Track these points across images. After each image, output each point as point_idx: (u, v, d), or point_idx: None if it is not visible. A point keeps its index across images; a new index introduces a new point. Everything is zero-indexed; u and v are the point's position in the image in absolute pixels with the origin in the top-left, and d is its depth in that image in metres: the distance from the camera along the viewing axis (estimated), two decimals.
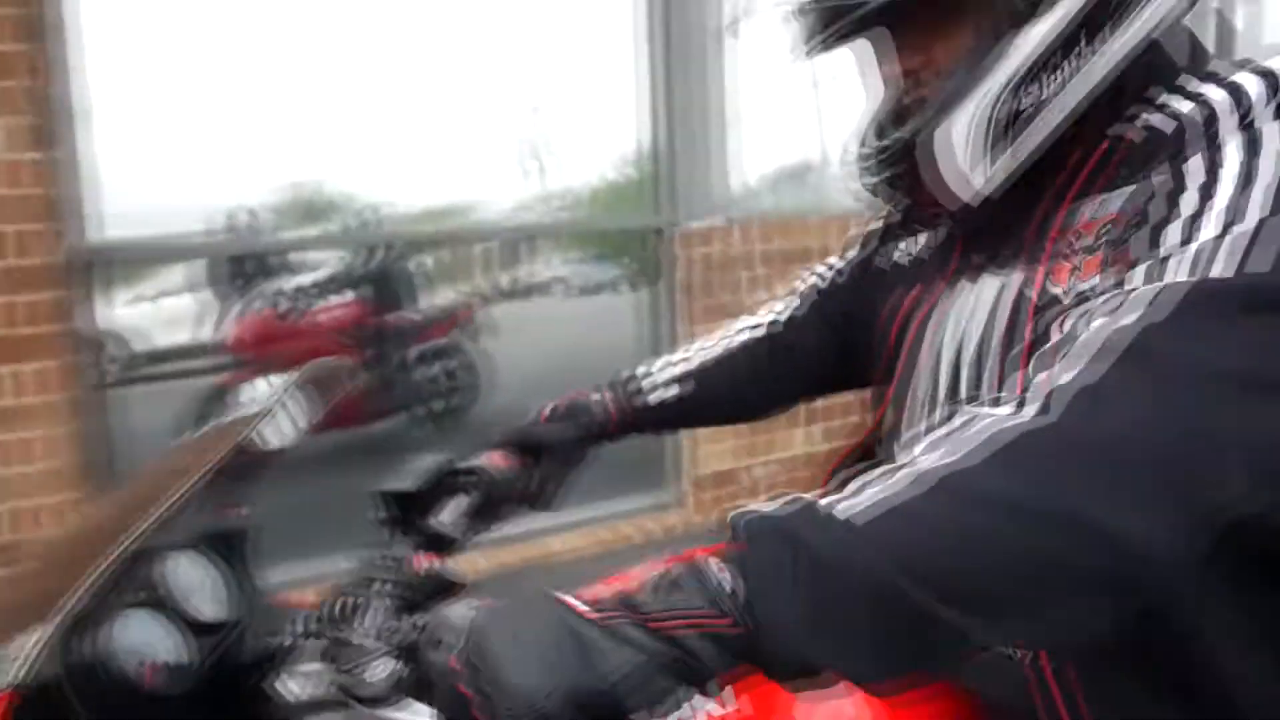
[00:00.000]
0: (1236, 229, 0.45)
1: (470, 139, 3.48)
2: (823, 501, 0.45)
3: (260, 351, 4.10)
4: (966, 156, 0.59)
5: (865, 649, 0.42)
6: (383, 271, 4.42)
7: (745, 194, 3.58)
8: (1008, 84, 0.57)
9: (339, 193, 3.52)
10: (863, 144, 0.72)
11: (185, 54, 2.83)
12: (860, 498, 0.44)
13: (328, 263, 4.44)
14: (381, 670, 0.52)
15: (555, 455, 0.91)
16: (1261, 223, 0.44)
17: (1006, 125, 0.58)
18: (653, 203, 3.41)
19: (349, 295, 4.40)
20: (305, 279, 4.38)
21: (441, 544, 0.80)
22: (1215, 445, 0.42)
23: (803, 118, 3.88)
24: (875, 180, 0.70)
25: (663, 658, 0.41)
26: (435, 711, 0.46)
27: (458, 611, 0.46)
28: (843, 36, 0.63)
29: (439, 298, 4.71)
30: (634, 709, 0.41)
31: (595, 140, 3.72)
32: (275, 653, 0.63)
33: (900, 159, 0.65)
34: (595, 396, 0.97)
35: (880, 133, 0.70)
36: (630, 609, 0.42)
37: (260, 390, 0.82)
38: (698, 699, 0.46)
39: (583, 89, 3.57)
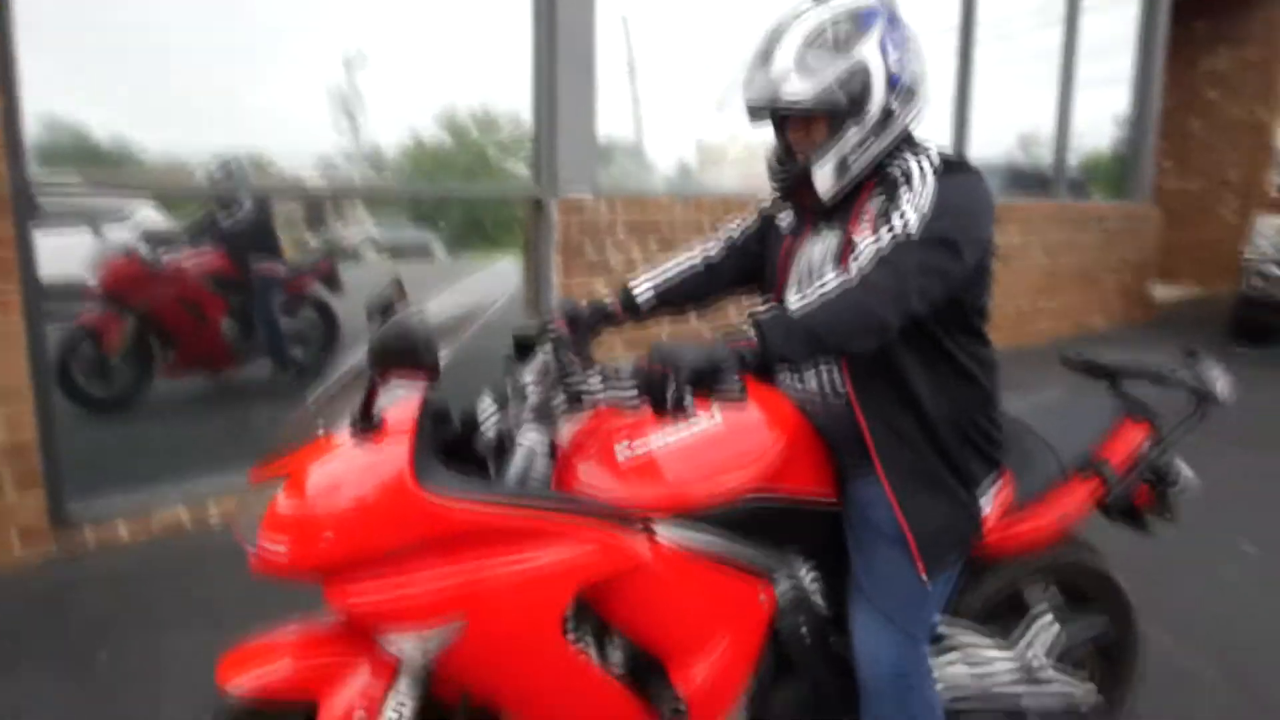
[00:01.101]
0: (917, 216, 1.21)
1: (281, 91, 3.66)
2: (792, 306, 1.19)
3: (123, 294, 4.18)
4: (828, 179, 1.37)
5: (804, 353, 1.17)
6: (248, 222, 4.52)
7: (606, 172, 4.30)
8: (843, 150, 1.34)
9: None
10: (773, 167, 1.48)
11: None
12: (795, 307, 1.18)
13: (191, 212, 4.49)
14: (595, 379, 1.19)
15: (585, 328, 1.57)
16: (922, 215, 1.20)
17: (841, 170, 1.35)
18: (533, 175, 4.04)
19: (215, 244, 4.48)
20: (173, 226, 4.44)
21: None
22: (910, 288, 1.18)
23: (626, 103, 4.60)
24: (779, 185, 1.47)
25: (735, 358, 1.12)
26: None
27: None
28: (763, 118, 1.41)
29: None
30: (723, 373, 1.10)
31: (415, 101, 4.00)
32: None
33: (791, 178, 1.41)
34: (609, 299, 1.66)
35: (781, 163, 1.46)
36: (728, 343, 1.16)
37: None
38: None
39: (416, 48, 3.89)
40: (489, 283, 1.38)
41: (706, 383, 1.08)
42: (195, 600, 2.54)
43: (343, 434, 1.13)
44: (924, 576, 1.31)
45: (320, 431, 1.16)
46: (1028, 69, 7.05)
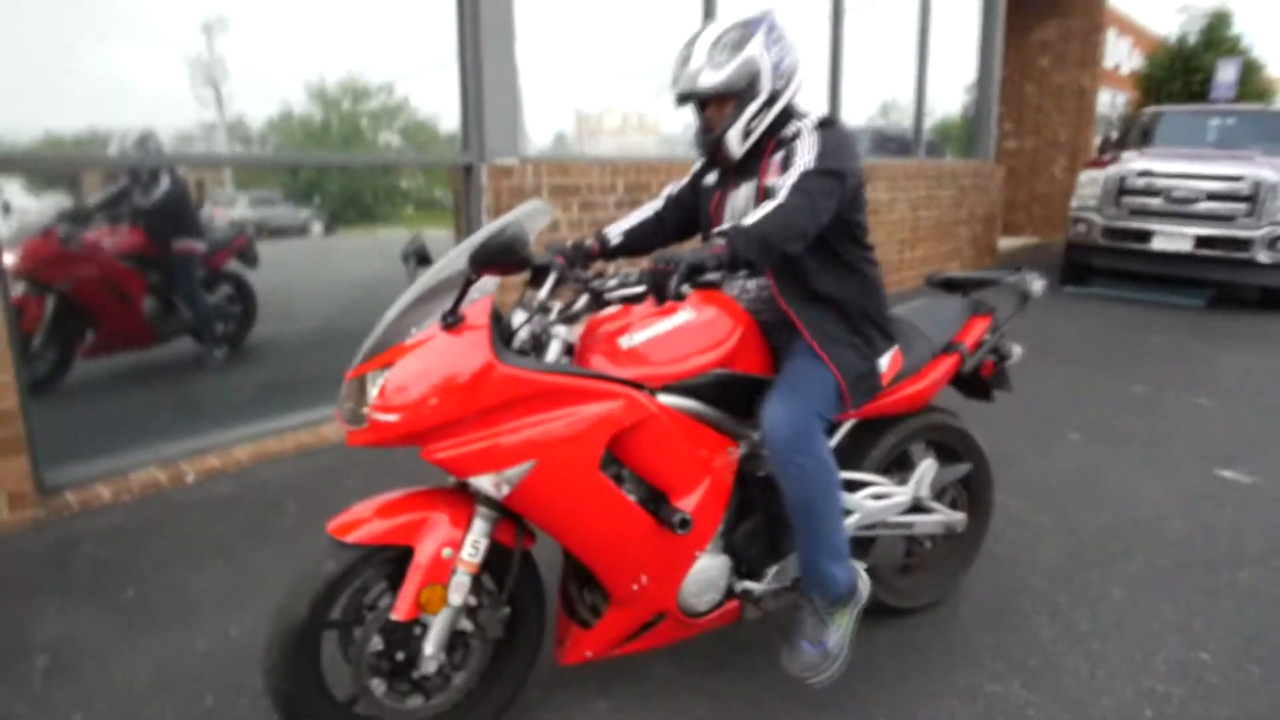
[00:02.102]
0: (811, 157, 1.71)
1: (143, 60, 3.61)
2: (743, 223, 1.66)
3: (42, 274, 4.20)
4: (736, 143, 1.87)
5: (757, 255, 1.61)
6: (167, 199, 4.56)
7: (531, 140, 4.63)
8: (745, 121, 1.85)
9: None
10: (698, 138, 1.96)
11: None
12: (745, 221, 1.65)
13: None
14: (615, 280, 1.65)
15: (575, 260, 2.00)
16: (814, 157, 1.71)
17: (745, 135, 1.86)
18: (461, 142, 4.34)
19: (133, 222, 4.50)
20: (90, 200, 4.44)
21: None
22: (817, 206, 1.67)
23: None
24: (703, 151, 1.97)
25: (713, 260, 1.56)
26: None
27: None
28: (688, 102, 1.90)
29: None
30: (708, 269, 1.56)
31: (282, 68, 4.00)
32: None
33: (711, 144, 1.91)
34: (589, 241, 2.11)
35: (704, 135, 1.94)
36: (707, 248, 1.61)
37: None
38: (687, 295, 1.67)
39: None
40: (533, 210, 1.77)
41: (696, 276, 1.53)
42: (198, 541, 2.79)
43: (430, 331, 1.51)
44: (850, 406, 1.85)
45: (412, 331, 1.53)
46: (891, 40, 7.81)
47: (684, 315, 1.76)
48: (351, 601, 1.60)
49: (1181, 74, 12.89)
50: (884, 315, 1.97)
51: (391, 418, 1.47)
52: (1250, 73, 12.81)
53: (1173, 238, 7.16)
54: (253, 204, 4.93)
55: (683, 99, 1.89)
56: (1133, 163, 7.50)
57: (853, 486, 2.03)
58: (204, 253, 4.72)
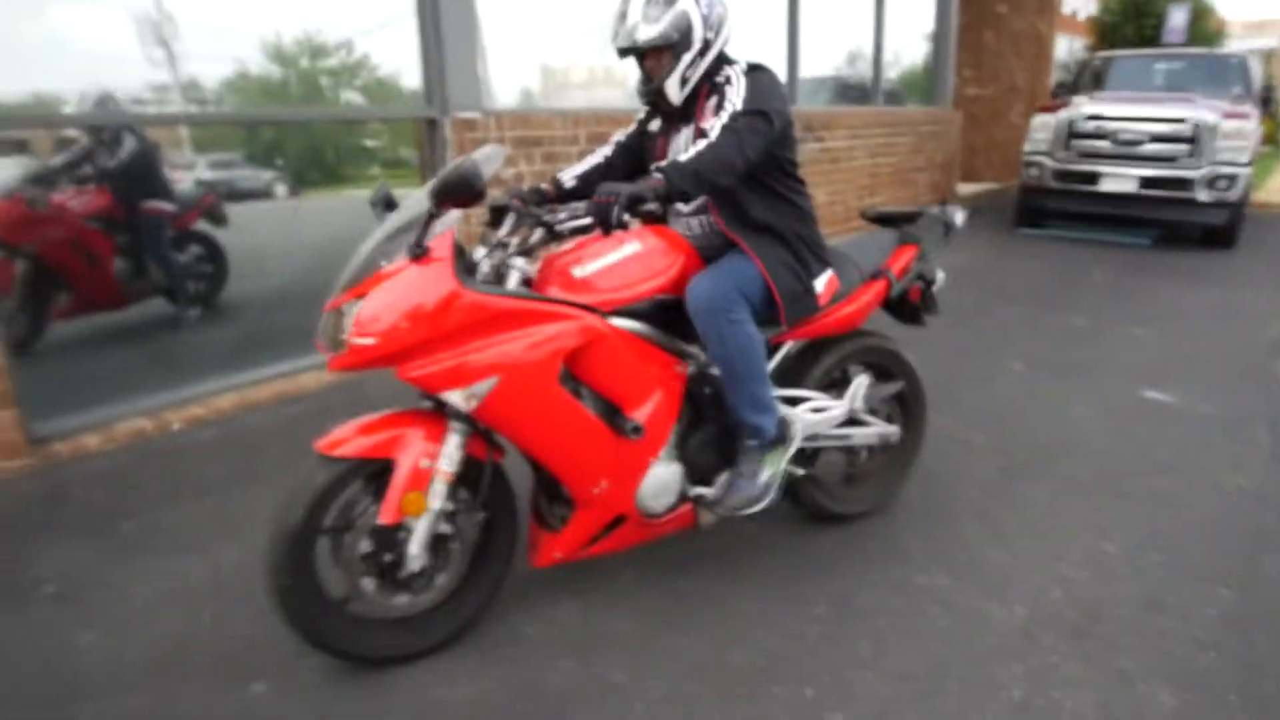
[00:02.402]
0: (740, 100, 1.90)
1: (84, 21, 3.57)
2: (678, 159, 1.84)
3: (9, 238, 4.23)
4: (675, 90, 2.03)
5: (692, 187, 1.81)
6: (132, 159, 4.58)
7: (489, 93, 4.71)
8: (681, 70, 2.01)
9: None
10: (640, 88, 2.11)
11: None
12: (682, 158, 1.83)
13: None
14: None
15: (532, 202, 2.12)
16: (743, 99, 1.90)
17: (683, 83, 2.02)
18: (424, 97, 4.41)
19: (99, 183, 4.52)
20: (53, 162, 4.45)
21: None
22: (746, 143, 1.86)
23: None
24: (645, 99, 2.13)
25: (651, 192, 1.74)
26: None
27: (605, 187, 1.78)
28: (629, 55, 2.04)
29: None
30: (646, 200, 1.74)
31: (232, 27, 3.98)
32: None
33: (652, 93, 2.07)
34: (544, 185, 2.26)
35: (645, 84, 2.09)
36: (645, 181, 1.79)
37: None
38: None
39: None
40: (489, 153, 1.92)
41: (637, 205, 1.70)
42: (187, 481, 2.94)
43: (399, 263, 1.67)
44: (783, 324, 2.06)
45: (383, 262, 1.69)
46: None
47: (631, 246, 1.94)
48: (341, 512, 1.78)
49: (1134, 19, 13.08)
50: (818, 241, 2.16)
51: (368, 341, 1.63)
52: (1200, 17, 13.04)
53: (1119, 179, 7.41)
54: (212, 167, 4.93)
55: (623, 53, 2.04)
56: (1082, 107, 7.72)
57: (794, 402, 2.23)
58: (172, 213, 4.76)
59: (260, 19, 4.09)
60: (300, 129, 4.67)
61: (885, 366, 2.46)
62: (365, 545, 1.76)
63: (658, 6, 1.97)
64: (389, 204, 1.90)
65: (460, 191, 1.61)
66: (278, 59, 4.44)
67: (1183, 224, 7.42)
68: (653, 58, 2.04)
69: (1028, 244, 7.69)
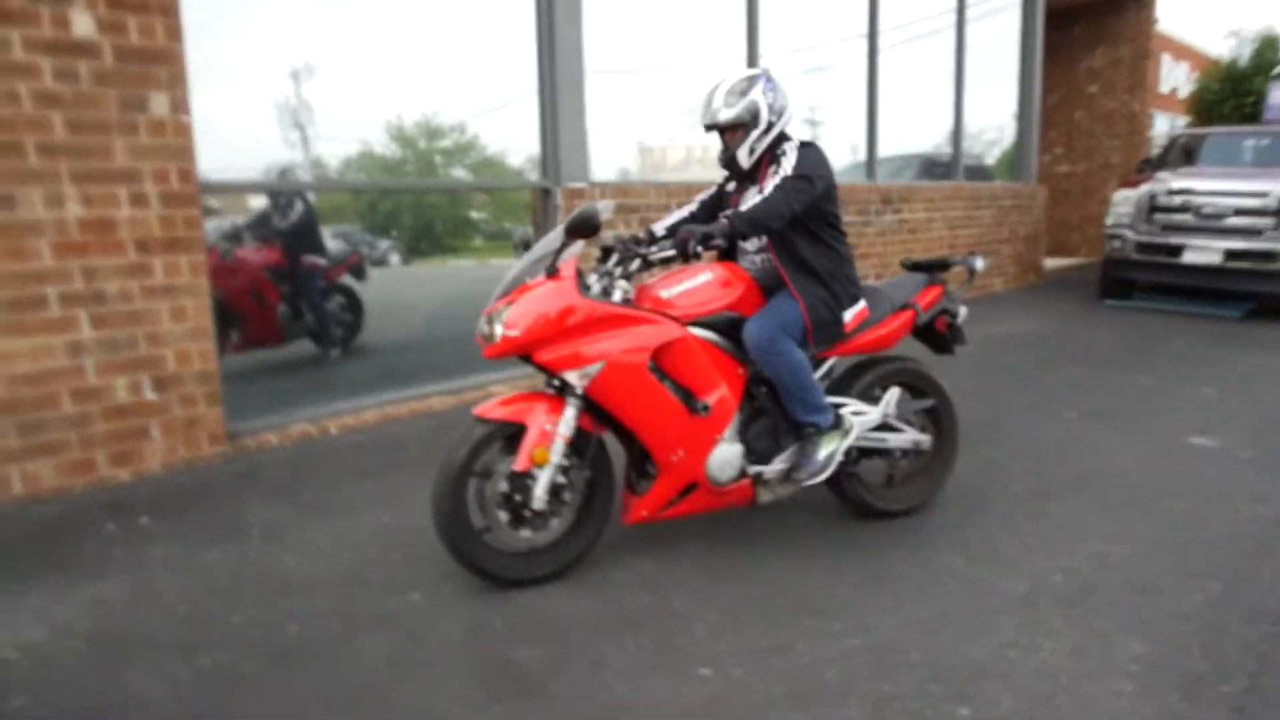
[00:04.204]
0: (790, 167, 2.54)
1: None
2: (741, 209, 2.49)
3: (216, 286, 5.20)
4: (745, 157, 2.70)
5: (750, 231, 2.47)
6: (299, 221, 5.53)
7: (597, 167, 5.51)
8: (750, 142, 2.67)
9: None
10: (721, 155, 2.79)
11: None
12: (744, 208, 2.48)
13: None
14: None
15: (631, 245, 2.77)
16: (792, 166, 2.54)
17: (751, 152, 2.70)
18: (540, 170, 5.24)
19: (271, 240, 5.47)
20: (241, 223, 5.44)
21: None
22: (791, 198, 2.50)
23: None
24: (723, 163, 2.80)
25: (719, 231, 2.41)
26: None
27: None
28: (713, 130, 2.74)
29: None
30: (715, 238, 2.41)
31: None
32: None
33: (729, 158, 2.74)
34: (640, 233, 2.91)
35: (724, 152, 2.76)
36: (715, 224, 2.45)
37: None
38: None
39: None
40: (604, 204, 2.58)
41: (708, 241, 2.33)
42: (348, 469, 3.68)
43: (537, 279, 2.34)
44: (811, 346, 2.60)
45: (526, 279, 2.37)
46: (936, 70, 8.50)
47: (705, 275, 2.57)
48: (486, 462, 2.42)
49: (1232, 96, 13.10)
50: (852, 278, 2.73)
51: (514, 333, 2.30)
52: None
53: (1203, 251, 7.56)
54: (334, 237, 5.55)
55: (708, 128, 2.72)
56: (1166, 182, 7.95)
57: (836, 408, 2.77)
58: (325, 267, 5.67)
59: (396, 104, 5.00)
60: (413, 202, 5.41)
61: (918, 386, 2.95)
62: (503, 485, 2.39)
63: (735, 95, 2.65)
64: (527, 245, 2.61)
65: (585, 227, 2.28)
66: (399, 140, 5.27)
67: (1272, 295, 7.47)
68: (730, 133, 2.70)
69: (1110, 314, 7.88)
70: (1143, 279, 8.04)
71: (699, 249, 2.33)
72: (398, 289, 5.70)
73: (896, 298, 2.87)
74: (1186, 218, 7.68)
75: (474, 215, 5.86)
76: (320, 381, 4.97)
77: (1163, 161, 9.15)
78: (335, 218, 5.65)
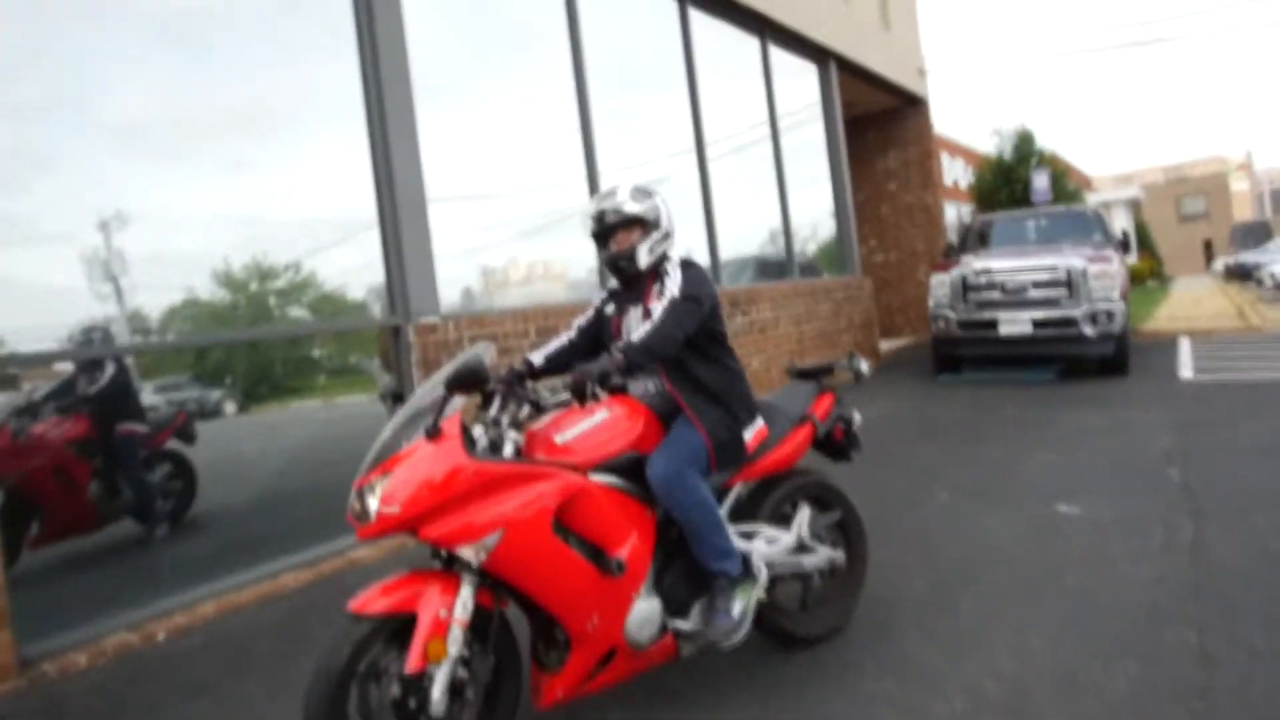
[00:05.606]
0: (676, 288, 2.46)
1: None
2: (632, 339, 2.35)
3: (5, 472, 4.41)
4: (644, 256, 2.58)
5: (645, 361, 2.34)
6: (111, 386, 4.87)
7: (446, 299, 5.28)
8: (650, 243, 2.58)
9: None
10: (607, 264, 2.67)
11: None
12: (635, 338, 2.34)
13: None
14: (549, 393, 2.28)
15: (513, 382, 2.51)
16: (679, 287, 2.46)
17: (650, 253, 2.58)
18: (387, 305, 4.94)
19: (79, 409, 4.78)
20: (36, 394, 4.72)
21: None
22: (683, 322, 2.40)
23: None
24: (609, 264, 2.67)
25: (615, 367, 2.24)
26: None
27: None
28: (603, 225, 2.63)
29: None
30: (611, 376, 2.27)
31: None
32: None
33: (620, 257, 2.59)
34: (519, 366, 2.71)
35: (616, 256, 2.63)
36: (609, 360, 2.28)
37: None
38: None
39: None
40: (482, 348, 2.36)
41: (605, 381, 2.15)
42: (179, 684, 3.07)
43: (416, 442, 2.06)
44: (714, 470, 2.46)
45: (403, 444, 2.08)
46: (759, 178, 9.04)
47: (600, 414, 2.37)
48: (369, 666, 2.04)
49: (1005, 185, 14.94)
50: (748, 397, 2.62)
51: (393, 509, 1.98)
52: (1060, 177, 14.97)
53: (1014, 323, 8.32)
54: (157, 390, 5.05)
55: (600, 218, 2.60)
56: (971, 264, 8.76)
57: (749, 536, 2.61)
58: (145, 434, 4.97)
59: (219, 248, 4.56)
60: (247, 345, 4.92)
61: (824, 499, 2.87)
62: (395, 690, 2.01)
63: (641, 194, 2.62)
64: (397, 397, 2.33)
65: (470, 382, 2.05)
66: (227, 284, 4.76)
67: (1078, 357, 8.28)
68: (624, 232, 2.58)
69: (946, 389, 8.43)
70: (969, 353, 8.71)
71: (597, 390, 2.14)
72: (235, 444, 5.08)
73: (792, 410, 2.81)
74: (995, 294, 8.46)
75: (317, 354, 5.40)
76: (144, 572, 4.26)
77: (964, 246, 10.14)
78: (158, 370, 5.04)
